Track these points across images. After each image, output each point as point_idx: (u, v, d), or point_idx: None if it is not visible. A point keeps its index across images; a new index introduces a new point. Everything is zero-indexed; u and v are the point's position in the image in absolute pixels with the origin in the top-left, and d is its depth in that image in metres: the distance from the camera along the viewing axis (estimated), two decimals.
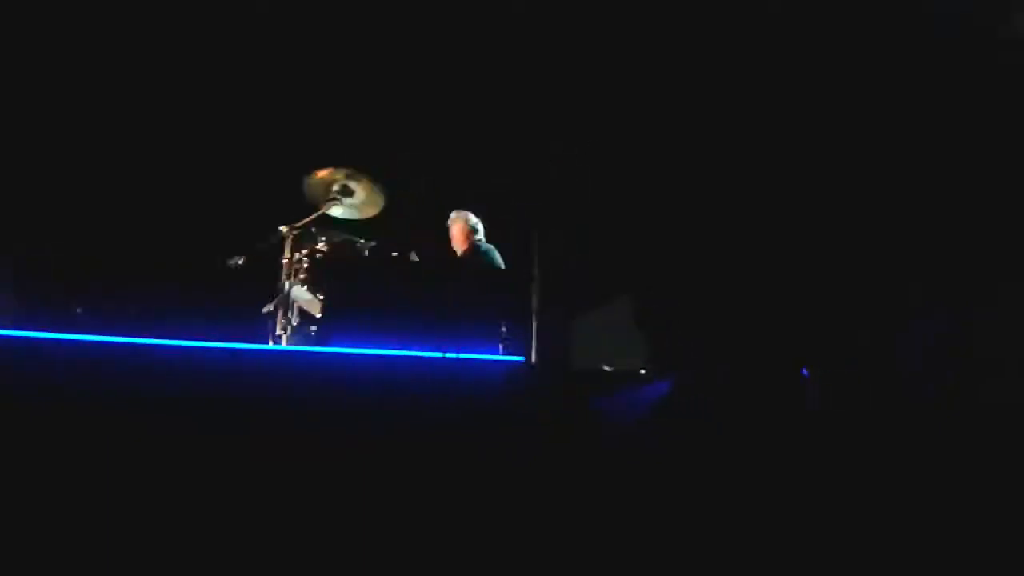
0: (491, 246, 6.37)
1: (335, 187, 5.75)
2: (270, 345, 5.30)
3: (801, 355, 5.03)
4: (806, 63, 6.03)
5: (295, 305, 5.54)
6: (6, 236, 5.71)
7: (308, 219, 5.66)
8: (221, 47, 6.68)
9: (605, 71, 6.41)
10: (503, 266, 6.22)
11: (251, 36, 6.63)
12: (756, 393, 4.04)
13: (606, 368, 4.80)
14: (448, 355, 4.08)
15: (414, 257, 5.49)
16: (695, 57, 6.36)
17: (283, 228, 5.57)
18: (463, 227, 6.46)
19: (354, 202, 5.84)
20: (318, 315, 5.29)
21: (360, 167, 5.75)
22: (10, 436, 3.41)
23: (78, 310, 5.83)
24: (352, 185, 5.77)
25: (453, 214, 6.50)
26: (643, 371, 4.64)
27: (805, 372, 4.19)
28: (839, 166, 5.95)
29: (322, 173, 5.71)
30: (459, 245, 6.43)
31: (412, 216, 6.26)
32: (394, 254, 5.52)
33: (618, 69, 6.41)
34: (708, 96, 6.36)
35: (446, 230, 6.55)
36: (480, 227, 6.49)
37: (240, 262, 5.51)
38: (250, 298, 5.66)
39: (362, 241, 5.66)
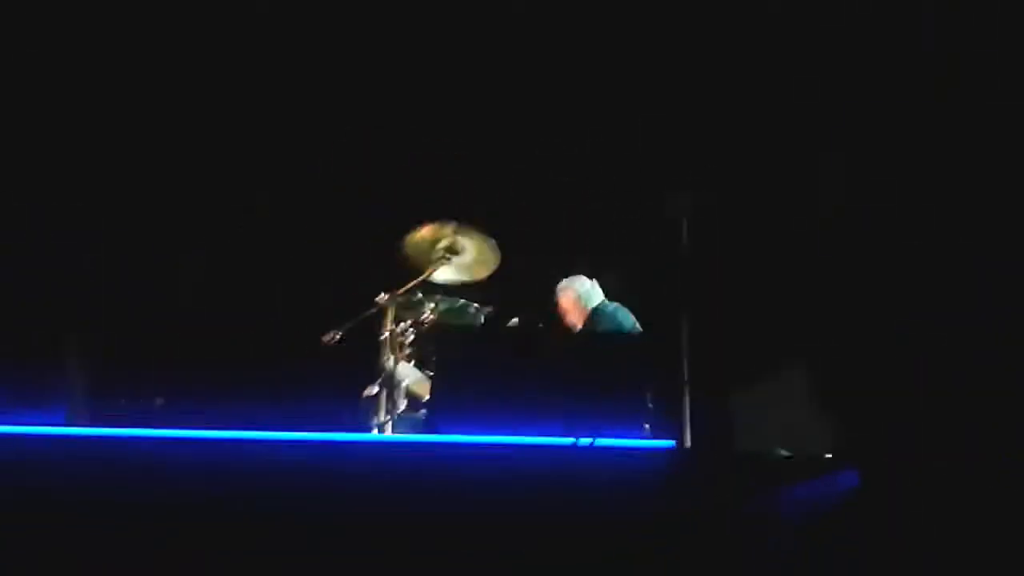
0: (616, 305, 5.88)
1: (440, 247, 5.44)
2: (373, 435, 5.05)
3: None
4: None
5: (400, 386, 5.25)
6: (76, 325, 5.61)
7: (411, 284, 5.35)
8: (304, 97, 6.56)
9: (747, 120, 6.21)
10: (637, 328, 5.70)
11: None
12: (976, 481, 3.76)
13: (780, 453, 4.37)
14: (582, 442, 3.82)
15: (514, 322, 5.31)
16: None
17: (383, 296, 5.26)
18: (572, 300, 5.91)
19: (463, 262, 5.52)
20: (427, 397, 5.09)
21: (468, 221, 5.47)
22: (93, 538, 3.41)
23: (158, 401, 5.63)
24: (460, 243, 5.46)
25: (560, 285, 6.02)
26: (827, 456, 4.24)
27: None
28: None
29: (424, 232, 5.43)
30: (574, 320, 5.91)
31: (532, 275, 5.95)
32: (514, 321, 5.28)
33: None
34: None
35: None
36: (596, 291, 5.97)
37: (336, 338, 5.17)
38: (349, 380, 5.41)
39: (476, 307, 5.42)
